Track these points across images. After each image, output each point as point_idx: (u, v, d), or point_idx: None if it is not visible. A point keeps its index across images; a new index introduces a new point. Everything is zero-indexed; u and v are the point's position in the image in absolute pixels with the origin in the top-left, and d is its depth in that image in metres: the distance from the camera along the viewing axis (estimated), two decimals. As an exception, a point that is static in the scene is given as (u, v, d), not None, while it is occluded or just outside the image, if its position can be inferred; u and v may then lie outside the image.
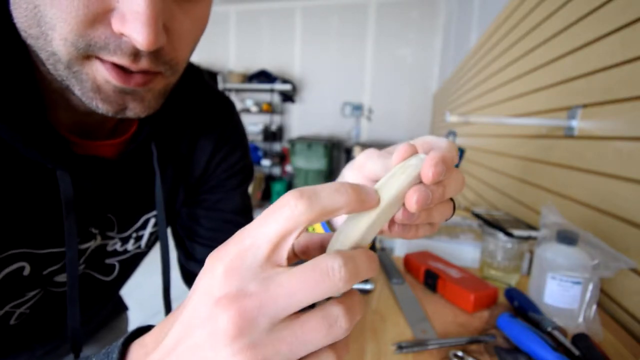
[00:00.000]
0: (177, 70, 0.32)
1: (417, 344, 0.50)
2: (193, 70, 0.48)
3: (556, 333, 0.49)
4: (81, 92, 0.29)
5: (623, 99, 0.68)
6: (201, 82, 0.49)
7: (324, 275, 0.18)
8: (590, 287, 0.55)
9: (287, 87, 4.50)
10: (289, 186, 4.58)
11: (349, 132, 4.52)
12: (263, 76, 4.56)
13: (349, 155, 4.26)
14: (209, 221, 0.53)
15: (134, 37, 0.25)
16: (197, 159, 0.49)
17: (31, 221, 0.34)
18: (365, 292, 0.66)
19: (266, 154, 4.69)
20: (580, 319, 0.55)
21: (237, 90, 4.83)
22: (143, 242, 0.49)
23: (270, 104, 4.63)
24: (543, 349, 0.44)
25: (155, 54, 0.28)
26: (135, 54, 0.27)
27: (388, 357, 0.48)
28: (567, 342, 0.48)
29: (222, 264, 0.18)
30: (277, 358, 0.18)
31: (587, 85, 0.81)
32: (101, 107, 0.29)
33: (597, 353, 0.45)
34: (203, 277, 0.19)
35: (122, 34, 0.26)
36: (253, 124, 4.72)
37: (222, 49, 4.94)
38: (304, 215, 0.18)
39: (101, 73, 0.28)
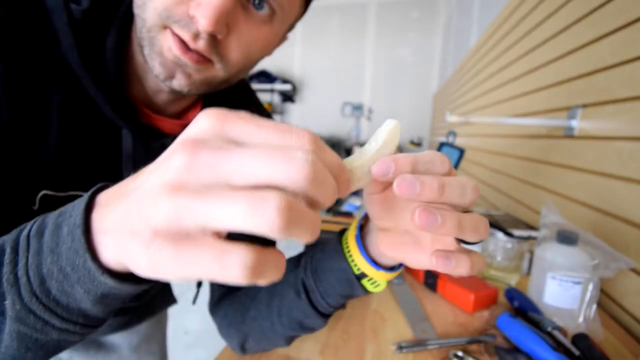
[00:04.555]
0: (227, 68, 0.39)
1: (417, 344, 0.50)
2: (250, 89, 0.58)
3: (556, 333, 0.49)
4: (148, 52, 0.36)
5: (623, 99, 0.68)
6: (254, 98, 0.58)
7: (288, 159, 0.17)
8: (590, 287, 0.55)
9: (287, 87, 4.50)
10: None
11: (349, 132, 4.52)
12: (263, 76, 4.55)
13: (349, 155, 4.25)
14: None
15: (198, 17, 0.33)
16: None
17: (95, 169, 0.40)
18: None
19: (266, 154, 4.69)
20: (580, 319, 0.55)
21: (237, 90, 4.83)
22: None
23: (270, 104, 4.63)
24: (543, 349, 0.45)
25: (212, 41, 0.35)
26: (197, 34, 0.34)
27: (388, 357, 0.48)
28: (567, 342, 0.48)
29: (212, 115, 0.19)
30: (197, 214, 0.17)
31: (587, 85, 0.81)
32: (157, 68, 0.37)
33: (597, 353, 0.45)
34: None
35: (193, 16, 0.33)
36: (253, 124, 4.71)
37: (222, 49, 4.94)
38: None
39: (168, 42, 0.35)
